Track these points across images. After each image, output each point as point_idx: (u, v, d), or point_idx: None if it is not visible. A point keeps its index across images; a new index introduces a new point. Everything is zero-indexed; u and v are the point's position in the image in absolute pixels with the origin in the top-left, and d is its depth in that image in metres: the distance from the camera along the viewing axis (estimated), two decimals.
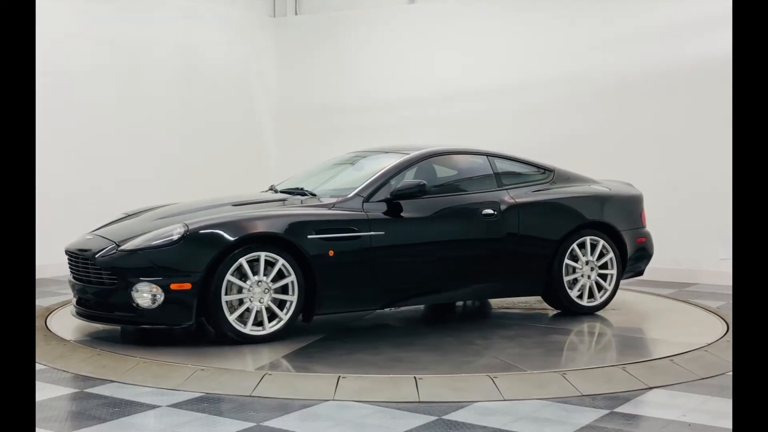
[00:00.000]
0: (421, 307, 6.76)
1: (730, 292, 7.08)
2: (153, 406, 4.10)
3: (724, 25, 8.17)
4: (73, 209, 8.65)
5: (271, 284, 5.25)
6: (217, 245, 5.10)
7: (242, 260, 5.15)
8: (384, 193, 5.77)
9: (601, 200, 6.49)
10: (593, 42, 9.34)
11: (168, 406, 4.11)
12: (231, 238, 5.12)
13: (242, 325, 5.20)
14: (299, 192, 6.16)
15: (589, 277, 6.31)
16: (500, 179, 6.26)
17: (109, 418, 3.91)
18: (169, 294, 5.05)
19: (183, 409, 4.06)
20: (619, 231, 6.42)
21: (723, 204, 7.93)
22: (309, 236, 5.34)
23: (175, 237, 5.15)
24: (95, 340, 5.41)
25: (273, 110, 11.66)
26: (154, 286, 5.06)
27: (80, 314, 5.51)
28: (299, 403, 4.14)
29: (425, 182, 5.81)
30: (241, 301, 5.20)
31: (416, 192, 5.73)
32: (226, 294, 5.13)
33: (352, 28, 11.14)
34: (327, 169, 6.65)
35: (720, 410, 4.07)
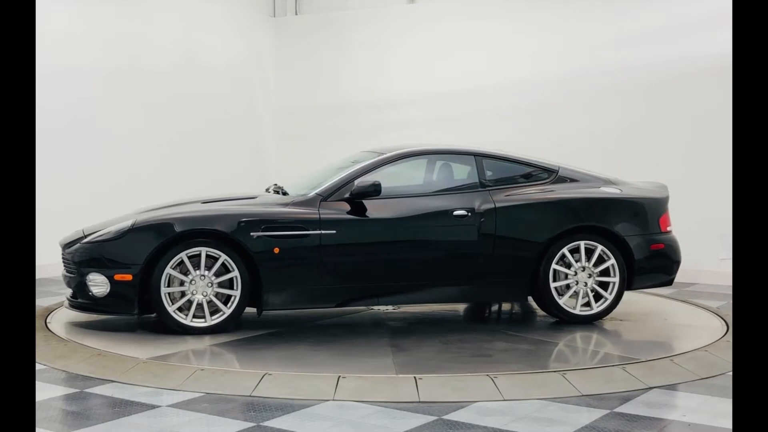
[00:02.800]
0: (438, 306, 6.72)
1: (730, 292, 7.09)
2: (153, 406, 4.10)
3: (724, 26, 8.18)
4: (73, 209, 8.64)
5: (213, 278, 5.50)
6: (155, 240, 5.44)
7: (183, 255, 5.45)
8: (345, 193, 5.78)
9: (602, 203, 6.07)
10: (593, 42, 9.35)
11: (168, 406, 4.11)
12: (168, 234, 5.44)
13: (183, 317, 5.48)
14: (277, 191, 6.31)
15: (585, 284, 5.95)
16: (484, 180, 6.04)
17: (109, 418, 3.91)
18: (113, 284, 5.45)
19: (183, 409, 4.06)
20: (622, 236, 5.98)
21: (723, 204, 7.93)
22: (252, 233, 5.51)
23: (121, 231, 5.54)
24: (95, 340, 5.41)
25: (273, 110, 11.67)
26: (102, 276, 5.48)
27: (71, 305, 5.81)
28: (299, 403, 4.14)
29: (379, 182, 5.72)
30: (183, 293, 5.49)
31: (372, 191, 5.70)
32: (167, 286, 5.45)
33: (352, 28, 11.15)
34: (334, 169, 6.63)
35: (720, 410, 4.07)
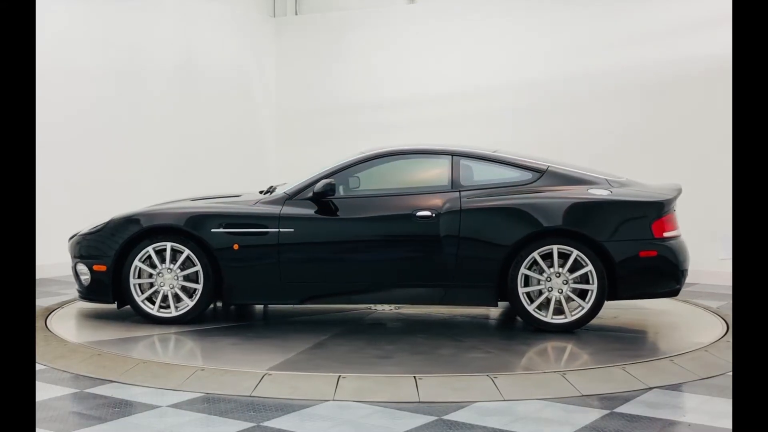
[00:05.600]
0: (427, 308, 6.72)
1: (730, 292, 7.09)
2: (153, 406, 4.10)
3: (724, 26, 8.19)
4: (73, 209, 8.64)
5: (179, 271, 5.83)
6: (123, 234, 5.88)
7: (150, 248, 5.84)
8: (309, 193, 5.89)
9: (581, 206, 5.64)
10: (594, 42, 9.36)
11: (168, 406, 4.11)
12: (136, 229, 5.85)
13: (152, 307, 5.87)
14: (265, 191, 6.45)
15: (560, 291, 5.62)
16: (457, 181, 5.89)
17: (109, 418, 3.91)
18: (92, 274, 5.96)
19: (183, 409, 4.06)
20: (599, 241, 5.57)
21: (723, 204, 7.93)
22: (213, 230, 5.81)
23: (100, 226, 6.05)
24: (95, 340, 5.41)
25: (273, 110, 11.67)
26: (85, 267, 6.01)
27: (78, 294, 6.28)
28: (299, 403, 4.14)
29: (333, 182, 5.80)
30: (152, 285, 5.88)
31: (328, 191, 5.79)
32: (136, 278, 5.87)
33: (352, 28, 11.15)
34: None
35: (720, 410, 4.07)
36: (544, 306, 5.70)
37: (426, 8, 10.67)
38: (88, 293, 6.07)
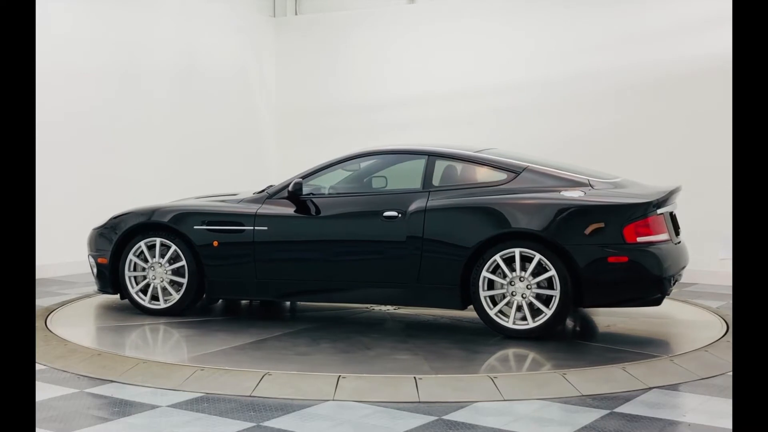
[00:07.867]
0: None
1: (730, 292, 7.09)
2: (153, 406, 4.10)
3: (724, 26, 8.19)
4: (73, 209, 8.64)
5: (167, 266, 6.15)
6: (119, 230, 6.28)
7: (142, 243, 6.20)
8: (286, 192, 6.05)
9: (547, 208, 5.37)
10: (593, 42, 9.35)
11: (168, 406, 4.11)
12: (129, 225, 6.23)
13: (144, 298, 6.22)
14: (263, 190, 6.52)
15: (523, 296, 5.36)
16: (429, 181, 5.78)
17: (109, 418, 3.91)
18: (98, 266, 6.42)
19: (183, 409, 4.06)
20: (563, 245, 5.28)
21: (723, 204, 7.93)
22: (195, 227, 6.09)
23: (104, 222, 6.45)
24: (95, 340, 5.41)
25: (273, 110, 11.67)
26: (93, 259, 6.47)
27: None
28: (299, 403, 4.15)
29: (300, 181, 5.97)
30: (145, 278, 6.25)
31: (298, 191, 5.95)
32: (131, 271, 6.24)
33: (352, 28, 11.15)
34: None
35: (720, 410, 4.07)
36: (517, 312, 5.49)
37: (426, 8, 10.67)
38: (97, 284, 6.49)
